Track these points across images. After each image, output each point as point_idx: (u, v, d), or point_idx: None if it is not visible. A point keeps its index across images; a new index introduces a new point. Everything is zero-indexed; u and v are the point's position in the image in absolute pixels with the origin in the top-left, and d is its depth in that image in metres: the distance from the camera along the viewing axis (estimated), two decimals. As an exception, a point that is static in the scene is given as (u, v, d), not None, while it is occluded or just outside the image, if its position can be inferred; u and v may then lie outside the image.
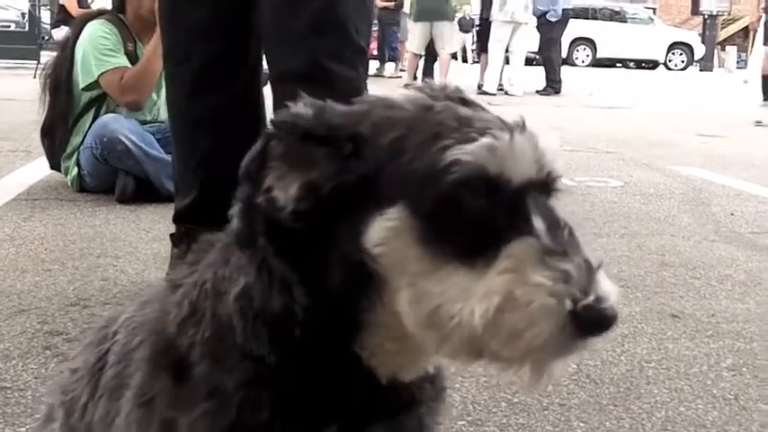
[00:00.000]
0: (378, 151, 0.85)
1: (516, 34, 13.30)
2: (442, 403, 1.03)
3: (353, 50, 2.36)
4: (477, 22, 15.32)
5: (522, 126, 0.86)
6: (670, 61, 27.75)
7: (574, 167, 5.74)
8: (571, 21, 15.32)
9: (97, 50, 4.25)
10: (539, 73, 14.19)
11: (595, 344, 0.79)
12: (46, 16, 17.28)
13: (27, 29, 17.49)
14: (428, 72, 14.76)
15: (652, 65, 27.69)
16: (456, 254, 0.81)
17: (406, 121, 0.86)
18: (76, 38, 4.36)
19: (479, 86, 13.57)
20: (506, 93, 13.21)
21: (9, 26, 19.00)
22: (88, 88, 4.31)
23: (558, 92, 13.50)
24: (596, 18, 27.06)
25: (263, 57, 2.56)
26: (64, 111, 4.39)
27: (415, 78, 14.48)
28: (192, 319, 0.93)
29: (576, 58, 25.97)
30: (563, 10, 13.65)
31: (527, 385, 0.83)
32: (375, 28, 14.51)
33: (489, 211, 0.81)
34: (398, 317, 0.85)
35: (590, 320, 0.76)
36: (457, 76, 14.34)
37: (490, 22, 13.49)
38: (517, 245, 0.79)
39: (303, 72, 2.31)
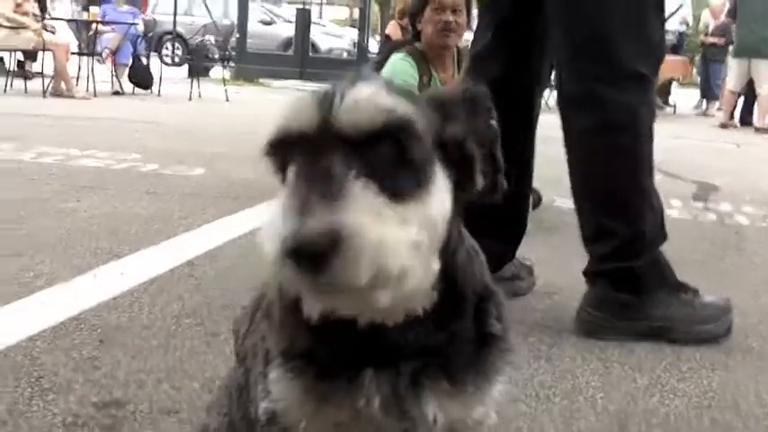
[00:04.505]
0: None
1: None
2: (487, 364, 1.06)
3: (625, 75, 2.45)
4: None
5: (346, 84, 0.91)
6: None
7: None
8: None
9: None
10: None
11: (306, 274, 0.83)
12: (373, 45, 18.56)
13: (356, 57, 18.93)
14: (747, 111, 14.06)
15: None
16: None
17: None
18: (383, 62, 4.72)
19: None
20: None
21: (342, 54, 20.63)
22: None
23: None
24: None
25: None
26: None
27: (731, 118, 13.83)
28: None
29: None
30: None
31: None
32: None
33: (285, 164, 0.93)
34: None
35: (286, 252, 0.82)
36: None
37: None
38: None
39: (575, 97, 2.50)
